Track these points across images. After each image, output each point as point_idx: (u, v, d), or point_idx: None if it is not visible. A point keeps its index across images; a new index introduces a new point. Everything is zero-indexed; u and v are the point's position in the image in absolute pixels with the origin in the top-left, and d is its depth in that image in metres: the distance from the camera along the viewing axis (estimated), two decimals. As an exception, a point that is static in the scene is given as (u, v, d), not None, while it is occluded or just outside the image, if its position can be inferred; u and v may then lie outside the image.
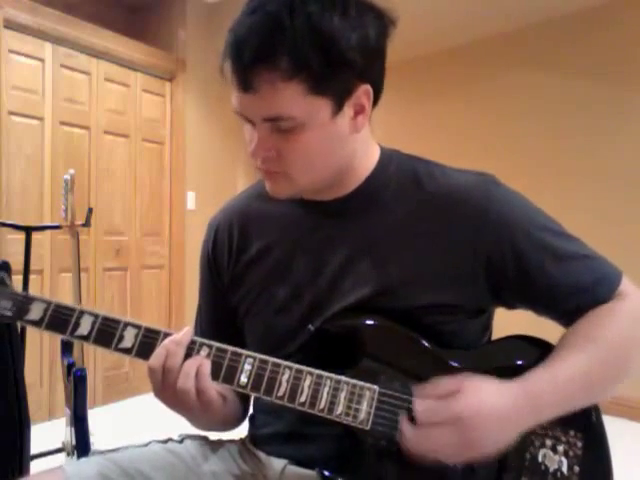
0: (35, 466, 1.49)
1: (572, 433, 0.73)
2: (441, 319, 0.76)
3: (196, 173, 3.51)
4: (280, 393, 0.71)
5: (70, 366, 1.75)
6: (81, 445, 1.68)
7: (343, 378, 0.71)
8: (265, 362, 0.72)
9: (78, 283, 1.88)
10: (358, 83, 0.70)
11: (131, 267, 3.27)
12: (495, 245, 0.75)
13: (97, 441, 1.82)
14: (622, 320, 0.74)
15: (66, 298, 2.75)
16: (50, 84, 2.84)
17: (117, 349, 0.73)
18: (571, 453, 0.73)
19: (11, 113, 2.68)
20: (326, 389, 0.71)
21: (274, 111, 0.67)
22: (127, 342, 0.73)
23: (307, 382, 0.71)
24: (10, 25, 2.65)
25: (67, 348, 1.83)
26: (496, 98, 3.49)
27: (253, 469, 0.86)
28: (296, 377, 0.71)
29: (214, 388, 0.71)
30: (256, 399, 0.87)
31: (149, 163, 3.37)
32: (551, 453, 0.72)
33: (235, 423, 0.90)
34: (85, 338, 0.73)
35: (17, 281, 1.51)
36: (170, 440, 0.88)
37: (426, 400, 0.66)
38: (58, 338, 2.09)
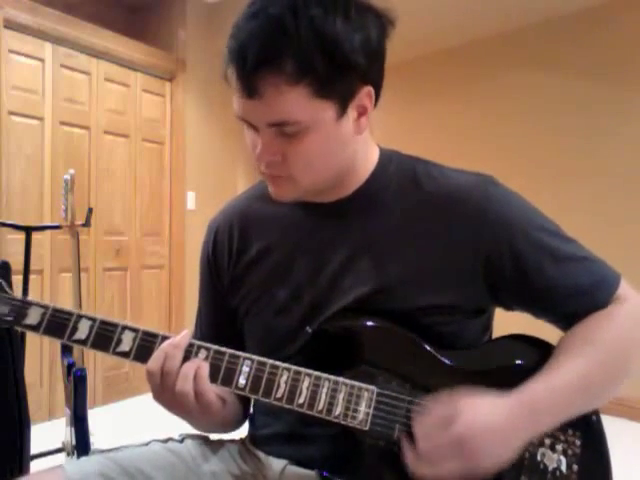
0: (35, 466, 1.49)
1: (571, 432, 0.73)
2: (440, 320, 0.76)
3: (196, 173, 3.51)
4: (279, 395, 0.71)
5: (70, 366, 1.75)
6: (81, 445, 1.68)
7: (341, 379, 0.71)
8: (263, 364, 0.72)
9: (78, 283, 1.88)
10: (361, 85, 0.70)
11: (131, 267, 3.27)
12: (494, 245, 0.75)
13: (97, 441, 1.82)
14: (621, 322, 0.74)
15: (66, 298, 2.75)
16: (50, 84, 2.84)
17: (115, 353, 0.73)
18: (570, 452, 0.73)
19: (11, 113, 2.68)
20: (324, 390, 0.71)
21: (279, 116, 0.67)
22: (125, 346, 0.73)
23: (305, 383, 0.71)
24: (10, 25, 2.66)
25: (67, 348, 1.83)
26: (496, 98, 3.49)
27: (253, 469, 0.86)
28: (294, 379, 0.71)
29: (213, 390, 0.72)
30: (256, 400, 0.87)
31: (149, 163, 3.37)
32: (550, 452, 0.72)
33: (235, 425, 0.90)
34: (83, 342, 0.73)
35: (17, 281, 1.52)
36: (170, 440, 0.88)
37: (426, 426, 0.67)
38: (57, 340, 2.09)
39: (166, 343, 0.72)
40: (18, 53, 2.71)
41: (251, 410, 0.93)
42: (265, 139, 0.70)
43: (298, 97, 0.66)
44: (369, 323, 0.76)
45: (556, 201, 2.47)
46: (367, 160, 0.81)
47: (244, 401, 0.89)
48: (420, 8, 3.07)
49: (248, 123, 0.72)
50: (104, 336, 0.73)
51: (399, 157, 0.84)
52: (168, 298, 3.48)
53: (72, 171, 1.88)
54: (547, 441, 0.72)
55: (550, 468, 0.72)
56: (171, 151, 3.48)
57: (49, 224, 2.65)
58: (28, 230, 1.98)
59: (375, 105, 0.74)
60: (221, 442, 0.91)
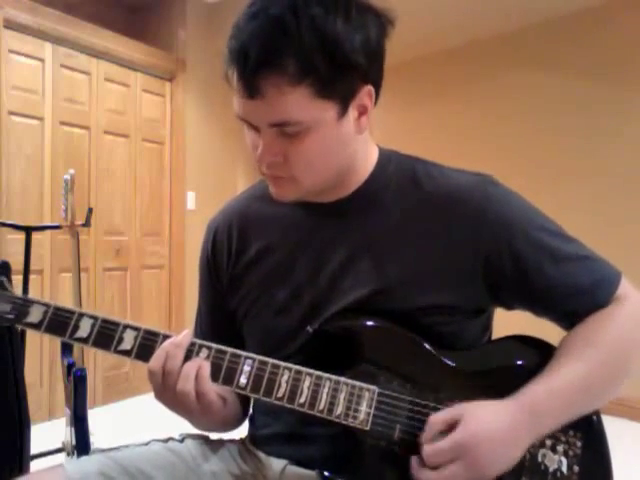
0: (35, 466, 1.49)
1: (571, 433, 0.73)
2: (440, 320, 0.76)
3: (196, 173, 3.51)
4: (280, 394, 0.71)
5: (70, 366, 1.76)
6: (81, 445, 1.68)
7: (342, 379, 0.71)
8: (264, 363, 0.72)
9: (78, 283, 1.88)
10: (361, 84, 0.70)
11: (131, 267, 3.27)
12: (493, 245, 0.75)
13: (97, 441, 1.82)
14: (621, 323, 0.74)
15: (66, 298, 2.75)
16: (50, 84, 2.84)
17: (116, 351, 0.73)
18: (571, 453, 0.73)
19: (11, 113, 2.68)
20: (325, 390, 0.71)
21: (281, 116, 0.67)
22: (126, 344, 0.73)
23: (306, 383, 0.71)
24: (10, 25, 2.66)
25: (67, 348, 1.83)
26: (495, 98, 3.49)
27: (253, 469, 0.86)
28: (295, 378, 0.71)
29: (214, 390, 0.71)
30: (256, 400, 0.87)
31: (149, 163, 3.37)
32: (551, 453, 0.72)
33: (235, 424, 0.90)
34: (84, 341, 0.73)
35: (17, 281, 1.52)
36: (171, 439, 0.88)
37: (432, 442, 0.67)
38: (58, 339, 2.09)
39: (167, 342, 0.72)
40: (18, 53, 2.71)
41: (251, 410, 0.93)
42: (266, 139, 0.70)
43: (300, 97, 0.66)
44: (369, 323, 0.76)
45: (556, 201, 2.47)
46: (367, 160, 0.81)
47: (244, 400, 0.89)
48: (420, 8, 3.07)
49: (249, 124, 0.71)
50: (105, 334, 0.73)
51: (398, 157, 0.84)
52: (168, 298, 3.48)
53: (72, 171, 1.88)
54: (548, 442, 0.72)
55: (551, 469, 0.72)
56: (171, 151, 3.48)
57: (49, 224, 2.65)
58: (28, 230, 1.98)
59: (375, 104, 0.74)
60: (221, 442, 0.91)
